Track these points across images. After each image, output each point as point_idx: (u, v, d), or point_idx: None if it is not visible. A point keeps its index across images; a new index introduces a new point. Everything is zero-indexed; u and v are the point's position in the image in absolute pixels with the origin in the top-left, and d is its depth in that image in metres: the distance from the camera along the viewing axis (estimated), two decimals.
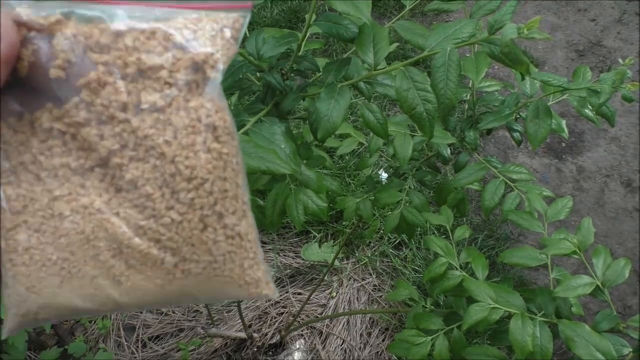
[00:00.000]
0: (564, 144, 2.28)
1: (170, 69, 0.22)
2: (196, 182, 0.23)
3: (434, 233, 1.77)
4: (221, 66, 0.23)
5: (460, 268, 0.83)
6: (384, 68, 0.54)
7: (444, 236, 1.29)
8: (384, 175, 1.93)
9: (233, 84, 0.55)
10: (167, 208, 0.23)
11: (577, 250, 0.66)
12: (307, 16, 0.78)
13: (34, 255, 0.23)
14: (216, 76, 0.23)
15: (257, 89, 0.65)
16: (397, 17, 0.66)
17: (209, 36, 0.23)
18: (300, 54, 0.65)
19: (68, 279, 0.23)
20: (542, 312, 0.69)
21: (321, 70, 0.60)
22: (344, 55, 0.65)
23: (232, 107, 0.72)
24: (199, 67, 0.23)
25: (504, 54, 0.41)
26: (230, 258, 0.25)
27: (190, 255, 0.24)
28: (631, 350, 0.60)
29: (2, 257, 0.23)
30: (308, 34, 0.80)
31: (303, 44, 0.79)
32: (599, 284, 0.65)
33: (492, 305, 0.64)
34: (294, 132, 0.88)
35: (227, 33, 0.24)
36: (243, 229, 0.25)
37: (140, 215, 0.23)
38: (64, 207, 0.22)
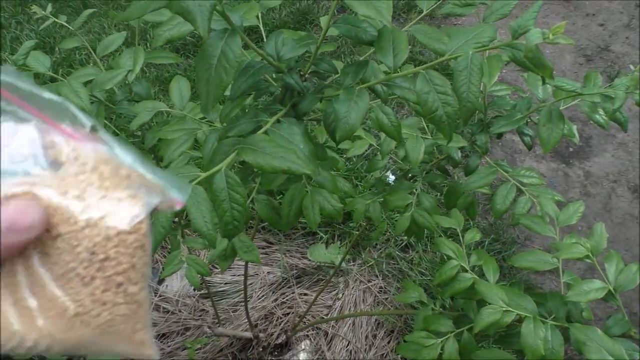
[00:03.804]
0: (571, 149, 2.28)
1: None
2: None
3: (440, 236, 1.78)
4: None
5: (470, 271, 0.83)
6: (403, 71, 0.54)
7: (451, 239, 1.29)
8: (392, 177, 1.93)
9: (253, 84, 0.56)
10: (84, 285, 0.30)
11: (590, 255, 0.66)
12: (322, 19, 0.78)
13: None
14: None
15: (274, 90, 0.66)
16: (414, 21, 0.67)
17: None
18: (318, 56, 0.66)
19: None
20: (553, 315, 0.69)
21: (339, 72, 0.60)
22: (361, 58, 0.66)
23: (247, 108, 0.72)
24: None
25: (528, 59, 0.42)
26: (125, 320, 0.31)
27: (90, 310, 0.30)
28: None
29: None
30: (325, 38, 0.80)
31: (320, 46, 0.79)
32: (612, 288, 0.65)
33: (504, 308, 0.65)
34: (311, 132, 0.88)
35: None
36: (142, 298, 0.32)
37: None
38: None
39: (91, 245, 0.29)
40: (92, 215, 0.29)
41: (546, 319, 0.68)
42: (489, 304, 0.66)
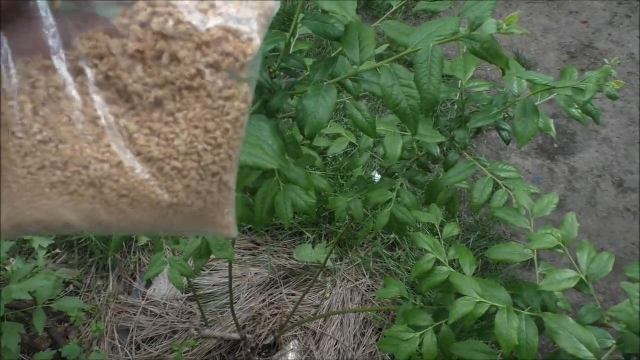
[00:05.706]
0: (556, 145, 2.30)
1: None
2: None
3: (426, 233, 1.78)
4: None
5: (450, 265, 0.83)
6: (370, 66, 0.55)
7: (436, 237, 1.30)
8: (377, 176, 1.93)
9: None
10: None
11: (561, 245, 0.67)
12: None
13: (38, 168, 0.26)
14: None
15: None
16: (384, 16, 0.67)
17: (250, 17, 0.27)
18: (289, 53, 0.66)
19: (69, 196, 0.26)
20: (529, 307, 0.70)
21: (308, 68, 0.61)
22: (332, 55, 0.67)
23: None
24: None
25: (484, 49, 0.42)
26: (217, 206, 0.30)
27: (185, 200, 0.29)
28: (614, 342, 0.62)
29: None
30: (302, 36, 0.81)
31: (292, 43, 0.80)
32: (583, 277, 0.66)
33: (477, 300, 0.65)
34: (288, 131, 0.89)
35: (262, 20, 0.28)
36: (232, 183, 0.30)
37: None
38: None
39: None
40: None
41: (522, 309, 0.69)
42: (464, 295, 0.67)
